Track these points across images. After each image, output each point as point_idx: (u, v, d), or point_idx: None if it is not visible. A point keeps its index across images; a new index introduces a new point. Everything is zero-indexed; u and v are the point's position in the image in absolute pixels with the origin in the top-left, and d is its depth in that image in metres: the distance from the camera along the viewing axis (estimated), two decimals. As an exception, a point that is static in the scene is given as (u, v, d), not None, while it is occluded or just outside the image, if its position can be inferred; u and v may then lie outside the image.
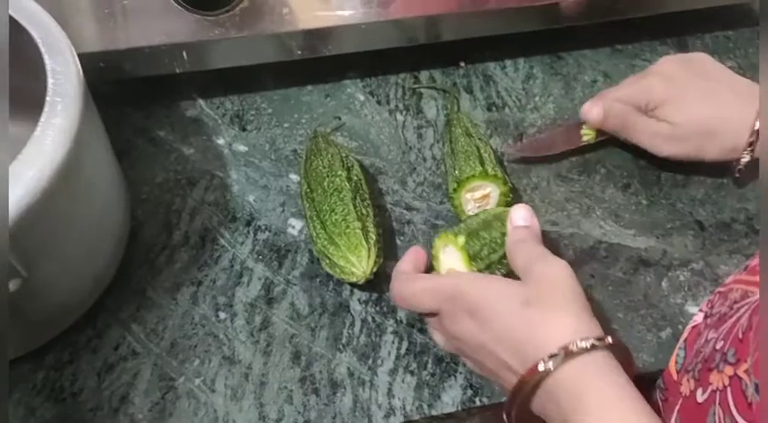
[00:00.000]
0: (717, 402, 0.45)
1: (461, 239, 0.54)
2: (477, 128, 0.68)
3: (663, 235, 0.65)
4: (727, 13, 0.83)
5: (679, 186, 0.69)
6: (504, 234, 0.56)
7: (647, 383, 0.55)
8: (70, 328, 0.57)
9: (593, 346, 0.45)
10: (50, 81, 0.47)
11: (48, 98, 0.46)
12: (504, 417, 0.48)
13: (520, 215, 0.55)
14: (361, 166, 0.67)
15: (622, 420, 0.43)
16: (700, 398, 0.48)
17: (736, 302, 0.51)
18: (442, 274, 0.55)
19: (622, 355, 0.47)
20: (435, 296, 0.51)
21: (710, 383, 0.47)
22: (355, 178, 0.62)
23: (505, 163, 0.70)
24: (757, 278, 0.51)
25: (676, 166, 0.69)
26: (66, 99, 0.46)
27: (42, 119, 0.45)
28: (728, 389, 0.45)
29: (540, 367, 0.45)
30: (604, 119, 0.67)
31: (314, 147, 0.65)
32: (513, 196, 0.63)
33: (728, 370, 0.45)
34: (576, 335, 0.45)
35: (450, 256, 0.56)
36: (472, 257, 0.54)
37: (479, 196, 0.62)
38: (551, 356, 0.44)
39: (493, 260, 0.55)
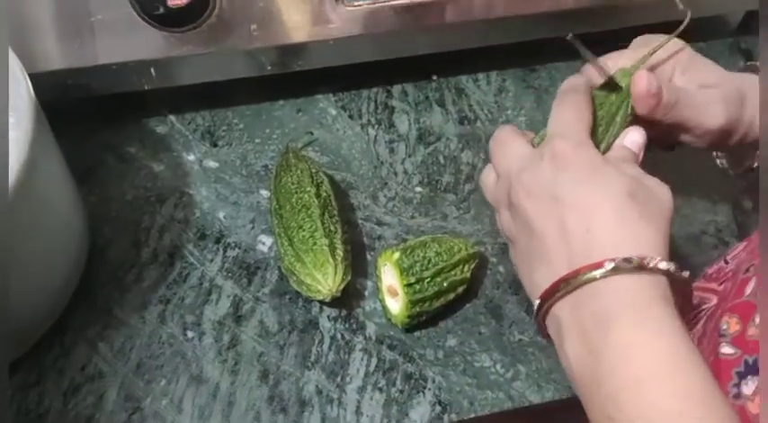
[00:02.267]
0: None
1: (396, 255, 0.57)
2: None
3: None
4: (698, 25, 0.83)
5: (649, 199, 0.69)
6: (438, 254, 0.57)
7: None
8: (37, 348, 0.57)
9: (669, 272, 0.41)
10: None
11: (1, 113, 0.46)
12: (535, 314, 0.45)
13: (633, 139, 0.51)
14: (332, 181, 0.66)
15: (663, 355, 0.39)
16: None
17: (693, 309, 0.51)
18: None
19: (683, 296, 0.44)
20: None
21: None
22: (324, 194, 0.62)
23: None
24: (712, 285, 0.52)
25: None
26: (17, 113, 0.47)
27: (-6, 133, 0.45)
28: None
29: (608, 265, 0.40)
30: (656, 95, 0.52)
31: (284, 163, 0.65)
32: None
33: None
34: (657, 252, 0.41)
35: (388, 273, 0.58)
36: (404, 270, 0.56)
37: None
38: (626, 260, 0.40)
39: (424, 276, 0.56)
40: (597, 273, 0.41)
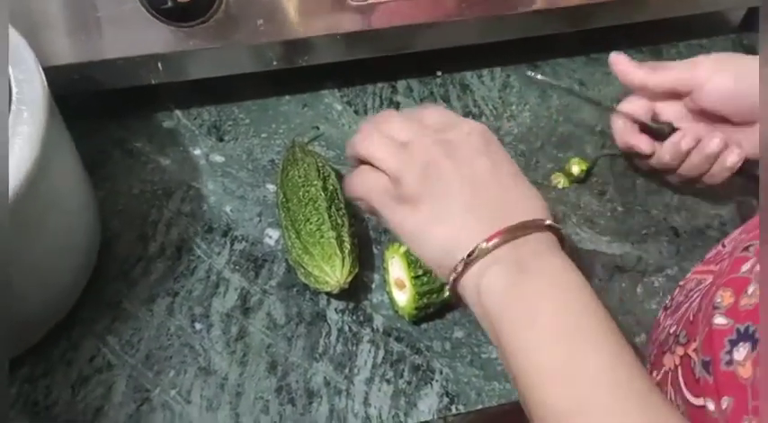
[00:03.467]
0: (669, 383, 0.47)
1: (403, 248, 0.58)
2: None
3: (638, 241, 0.66)
4: (700, 22, 0.84)
5: (654, 193, 0.70)
6: None
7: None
8: (45, 341, 0.57)
9: (551, 227, 0.45)
10: (15, 90, 0.47)
11: (13, 107, 0.46)
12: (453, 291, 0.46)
13: None
14: (339, 175, 0.67)
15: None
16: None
17: (690, 291, 0.52)
18: None
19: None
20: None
21: (663, 365, 0.49)
22: (331, 188, 0.62)
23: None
24: (710, 267, 0.53)
25: (651, 173, 0.69)
26: (31, 107, 0.46)
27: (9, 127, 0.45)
28: (679, 368, 0.47)
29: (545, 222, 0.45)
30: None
31: (290, 157, 0.65)
32: None
33: (680, 350, 0.47)
34: (546, 213, 0.46)
35: (396, 266, 0.59)
36: (412, 263, 0.57)
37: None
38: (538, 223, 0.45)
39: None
40: (509, 234, 0.44)
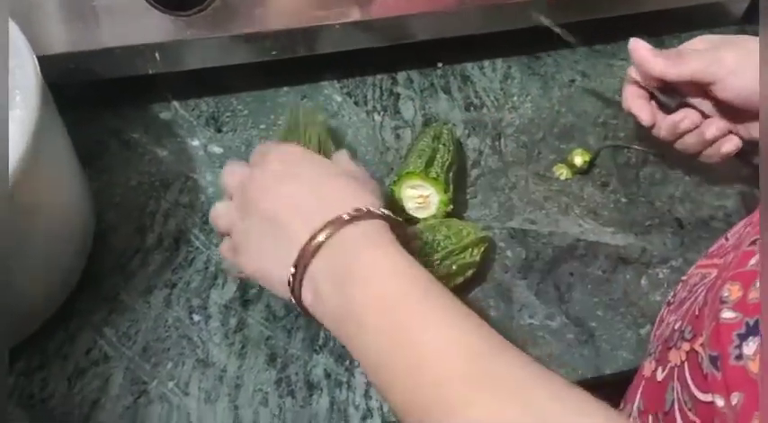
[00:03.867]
0: (675, 378, 0.46)
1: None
2: (451, 136, 0.66)
3: (642, 233, 0.65)
4: (703, 13, 0.83)
5: (658, 184, 0.69)
6: (447, 237, 0.57)
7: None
8: (41, 334, 0.56)
9: (383, 216, 0.45)
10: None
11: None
12: (294, 302, 0.46)
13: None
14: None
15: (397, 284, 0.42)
16: (659, 376, 0.49)
17: (695, 285, 0.52)
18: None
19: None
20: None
21: (669, 361, 0.48)
22: None
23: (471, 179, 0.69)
24: (714, 261, 0.52)
25: (655, 164, 0.69)
26: (24, 92, 0.46)
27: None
28: (686, 364, 0.46)
29: (321, 237, 0.43)
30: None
31: (292, 123, 0.62)
32: (453, 208, 0.62)
33: (685, 346, 0.46)
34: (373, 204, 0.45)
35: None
36: (413, 253, 0.55)
37: (418, 196, 0.62)
38: (339, 217, 0.44)
39: (434, 259, 0.56)
40: (324, 234, 0.43)
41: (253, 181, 0.49)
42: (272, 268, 0.46)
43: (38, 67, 0.49)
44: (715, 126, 0.60)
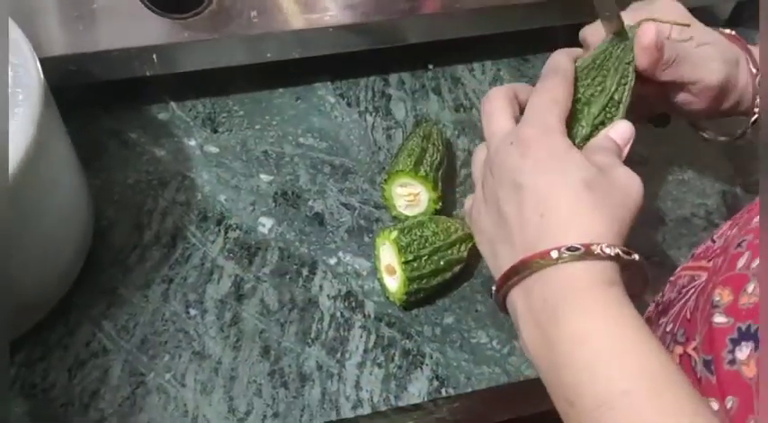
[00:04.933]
0: None
1: (394, 234, 0.58)
2: (440, 136, 0.68)
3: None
4: (688, 16, 0.85)
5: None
6: (435, 233, 0.59)
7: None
8: (42, 326, 0.58)
9: (617, 256, 0.42)
10: (11, 74, 0.48)
11: (9, 89, 0.47)
12: (494, 297, 0.46)
13: (619, 131, 0.51)
14: (331, 165, 0.68)
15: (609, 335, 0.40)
16: None
17: (683, 287, 0.52)
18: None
19: (641, 278, 0.45)
20: (507, 116, 0.49)
21: None
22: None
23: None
24: (701, 263, 0.53)
25: (639, 164, 0.70)
26: (26, 89, 0.48)
27: (4, 109, 0.47)
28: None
29: (554, 254, 0.42)
30: (661, 48, 0.52)
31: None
32: (442, 206, 0.64)
33: (678, 349, 0.47)
34: (606, 240, 0.42)
35: (387, 252, 0.60)
36: (402, 248, 0.58)
37: (408, 194, 0.64)
38: (570, 249, 0.41)
39: (422, 254, 0.58)
40: (542, 261, 0.42)
41: (495, 166, 0.48)
42: (490, 259, 0.48)
43: (39, 66, 0.51)
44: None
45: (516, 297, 0.44)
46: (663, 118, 0.64)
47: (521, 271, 0.43)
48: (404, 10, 0.71)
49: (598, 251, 0.41)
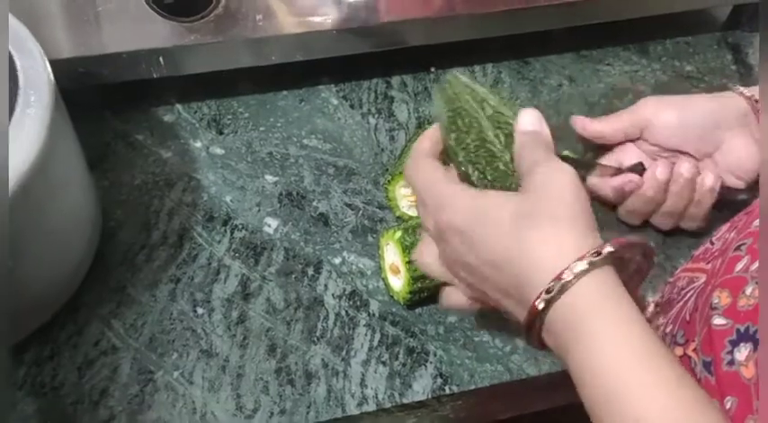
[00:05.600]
0: None
1: (398, 234, 0.59)
2: None
3: (625, 231, 0.68)
4: (686, 19, 0.86)
5: (641, 184, 0.72)
6: None
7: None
8: (51, 326, 0.59)
9: (592, 265, 0.40)
10: (21, 75, 0.49)
11: (20, 91, 0.48)
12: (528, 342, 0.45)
13: (527, 120, 0.49)
14: (335, 166, 0.69)
15: (618, 348, 0.40)
16: None
17: (683, 289, 0.53)
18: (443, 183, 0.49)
19: (637, 251, 0.44)
20: (427, 200, 0.48)
21: None
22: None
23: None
24: (700, 264, 0.54)
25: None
26: (38, 91, 0.49)
27: (17, 110, 0.47)
28: None
29: (539, 305, 0.41)
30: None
31: (446, 100, 0.54)
32: None
33: (678, 350, 0.48)
34: (575, 254, 0.41)
35: (391, 251, 0.61)
36: (406, 248, 0.58)
37: (411, 194, 0.64)
38: (547, 292, 0.40)
39: None
40: (541, 303, 0.41)
41: (447, 250, 0.47)
42: (506, 307, 0.46)
43: (49, 67, 0.52)
44: (686, 161, 0.63)
45: (546, 335, 0.43)
46: (637, 165, 0.65)
47: (535, 324, 0.42)
48: (406, 13, 0.72)
49: (569, 276, 0.40)
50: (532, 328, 0.43)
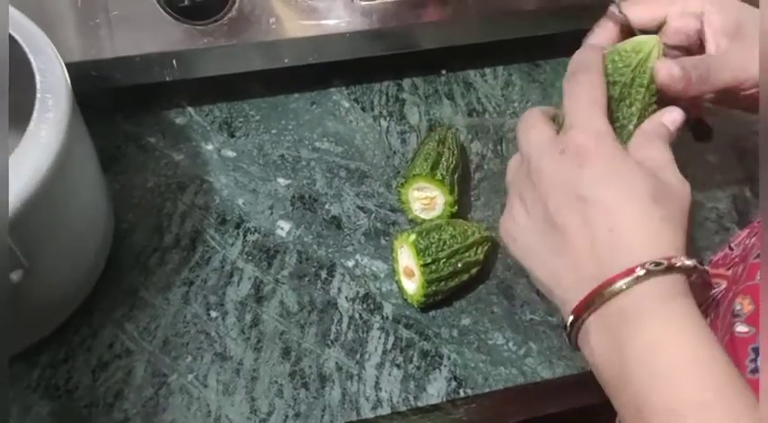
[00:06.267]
0: None
1: (412, 237, 0.59)
2: (455, 139, 0.69)
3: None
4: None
5: (653, 187, 0.72)
6: (453, 236, 0.59)
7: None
8: (65, 329, 0.59)
9: (694, 267, 0.42)
10: (38, 79, 0.49)
11: (38, 95, 0.48)
12: (567, 336, 0.46)
13: (670, 117, 0.50)
14: (347, 169, 0.69)
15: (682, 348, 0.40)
16: None
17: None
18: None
19: (704, 286, 0.45)
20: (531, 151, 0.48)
21: None
22: None
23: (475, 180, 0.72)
24: (720, 270, 0.54)
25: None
26: (55, 94, 0.49)
27: (35, 114, 0.47)
28: None
29: (639, 272, 0.41)
30: (683, 78, 0.50)
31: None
32: (458, 209, 0.64)
33: None
34: (680, 252, 0.42)
35: (405, 254, 0.60)
36: (420, 251, 0.58)
37: (425, 197, 0.64)
38: (655, 263, 0.41)
39: (440, 257, 0.58)
40: (629, 280, 0.41)
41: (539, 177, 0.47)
42: (553, 289, 0.46)
43: (65, 70, 0.52)
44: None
45: (591, 331, 0.44)
46: (705, 129, 0.62)
47: (603, 295, 0.42)
48: (417, 17, 0.72)
49: (679, 264, 0.41)
50: (588, 308, 0.43)
